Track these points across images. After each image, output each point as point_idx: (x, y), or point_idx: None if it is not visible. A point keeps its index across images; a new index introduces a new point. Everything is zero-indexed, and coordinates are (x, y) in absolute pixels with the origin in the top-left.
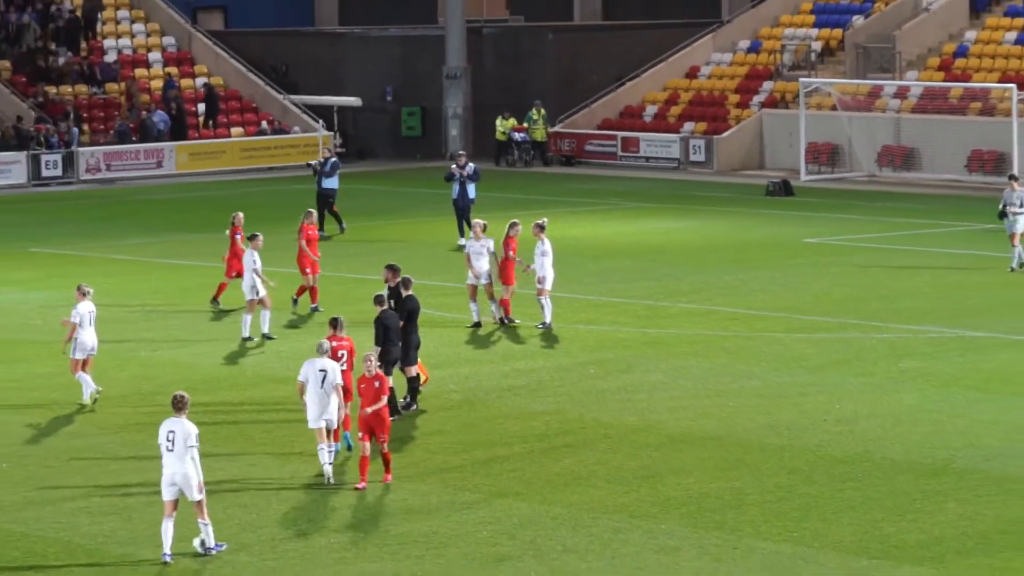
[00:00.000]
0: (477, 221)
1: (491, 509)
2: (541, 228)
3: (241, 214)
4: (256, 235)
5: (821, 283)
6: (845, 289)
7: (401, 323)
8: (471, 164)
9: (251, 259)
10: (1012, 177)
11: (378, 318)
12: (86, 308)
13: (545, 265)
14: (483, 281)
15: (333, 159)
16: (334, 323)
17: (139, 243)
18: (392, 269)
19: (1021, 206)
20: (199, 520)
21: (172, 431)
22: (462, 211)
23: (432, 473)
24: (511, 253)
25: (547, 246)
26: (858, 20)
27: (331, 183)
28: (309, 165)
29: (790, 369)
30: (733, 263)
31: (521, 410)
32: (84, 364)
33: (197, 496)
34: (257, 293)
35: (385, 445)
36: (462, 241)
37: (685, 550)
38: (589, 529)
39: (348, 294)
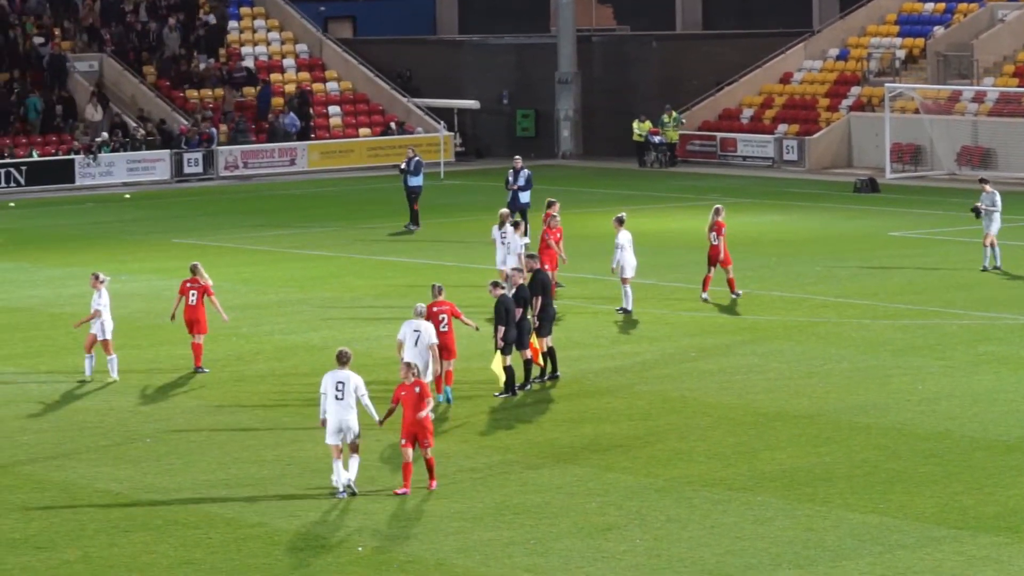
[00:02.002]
0: (504, 211)
1: (599, 482)
2: (620, 222)
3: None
4: (519, 222)
5: (905, 273)
6: (927, 279)
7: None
8: (525, 171)
9: (517, 244)
10: (983, 180)
11: (499, 301)
12: (107, 296)
13: (624, 256)
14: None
15: (416, 159)
16: (436, 289)
17: (273, 235)
18: (532, 257)
19: (992, 206)
20: (351, 456)
21: (342, 382)
22: (516, 213)
23: (544, 449)
24: (718, 236)
25: (623, 238)
26: (939, 30)
27: (416, 181)
28: (396, 166)
29: (876, 353)
30: (823, 254)
31: (627, 390)
32: (107, 344)
33: (358, 439)
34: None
35: (428, 451)
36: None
37: (779, 520)
38: (690, 501)
39: (467, 280)
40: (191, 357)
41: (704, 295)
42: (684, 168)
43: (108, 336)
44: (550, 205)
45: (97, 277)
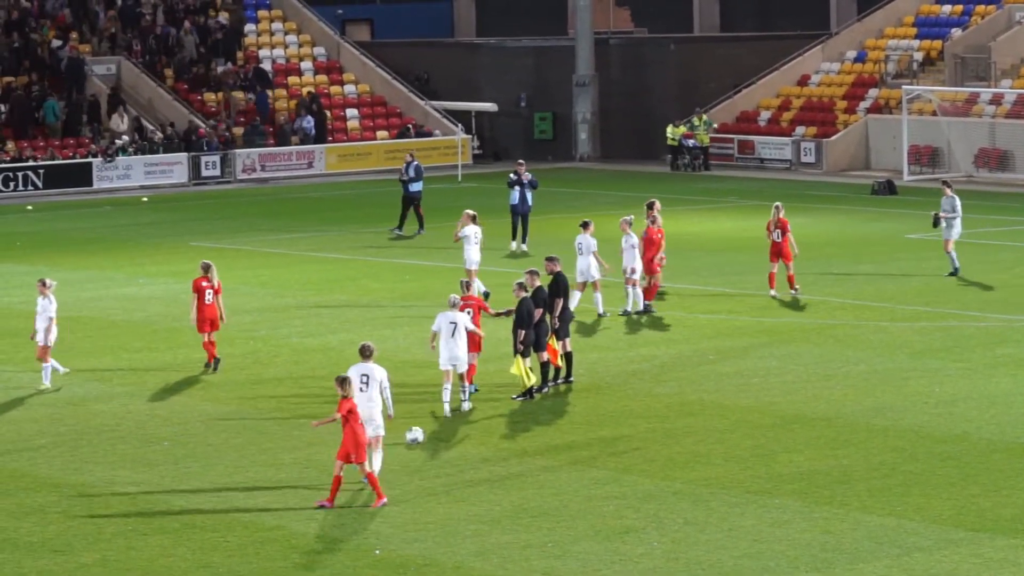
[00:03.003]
0: (470, 211)
1: (617, 485)
2: (628, 223)
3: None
4: (588, 222)
5: (922, 276)
6: (944, 281)
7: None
8: (528, 173)
9: (589, 244)
10: (945, 184)
11: (521, 302)
12: (55, 302)
13: (635, 257)
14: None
15: (415, 163)
16: (465, 284)
17: (290, 238)
18: (551, 260)
19: (952, 212)
20: (375, 451)
21: (366, 375)
22: (519, 216)
23: (562, 451)
24: (782, 233)
25: (634, 239)
26: (956, 32)
27: (417, 187)
28: (397, 174)
29: (894, 355)
30: (841, 257)
31: (644, 393)
32: (45, 351)
33: (381, 432)
34: (591, 276)
35: (364, 467)
36: (514, 246)
37: (797, 523)
38: (708, 503)
39: (485, 282)
40: (206, 358)
41: (772, 292)
42: (701, 171)
43: (50, 343)
44: (651, 206)
45: (44, 283)
